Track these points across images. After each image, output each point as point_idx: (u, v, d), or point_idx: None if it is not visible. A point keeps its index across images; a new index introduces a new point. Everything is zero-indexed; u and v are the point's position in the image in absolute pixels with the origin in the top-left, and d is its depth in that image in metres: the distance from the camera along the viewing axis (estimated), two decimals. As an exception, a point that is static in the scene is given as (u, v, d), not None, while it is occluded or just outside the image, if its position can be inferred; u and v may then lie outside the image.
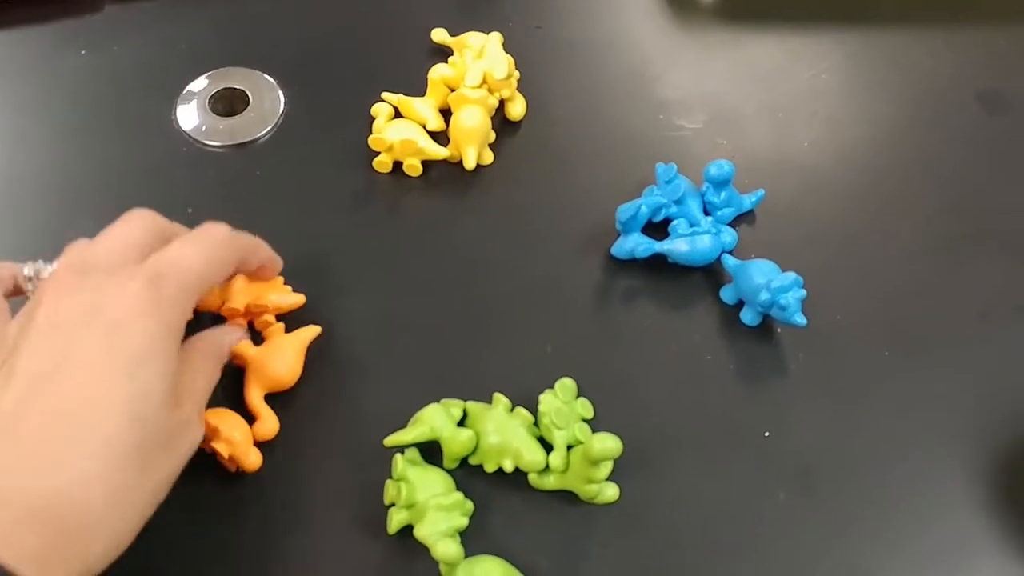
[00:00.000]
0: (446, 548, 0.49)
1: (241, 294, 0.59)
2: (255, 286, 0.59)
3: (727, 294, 0.65)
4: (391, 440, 0.55)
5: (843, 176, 0.72)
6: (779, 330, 0.64)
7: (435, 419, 0.55)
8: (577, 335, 0.63)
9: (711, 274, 0.66)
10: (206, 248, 0.51)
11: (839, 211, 0.70)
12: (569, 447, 0.56)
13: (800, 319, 0.59)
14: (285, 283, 0.61)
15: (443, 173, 0.70)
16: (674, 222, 0.65)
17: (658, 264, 0.65)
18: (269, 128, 0.72)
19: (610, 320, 0.64)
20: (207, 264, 0.51)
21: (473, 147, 0.68)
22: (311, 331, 0.59)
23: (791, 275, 0.60)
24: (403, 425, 0.57)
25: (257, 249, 0.58)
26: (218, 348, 0.55)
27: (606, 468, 0.54)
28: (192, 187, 0.68)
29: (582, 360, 0.62)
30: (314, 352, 0.60)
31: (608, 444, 0.52)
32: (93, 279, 0.47)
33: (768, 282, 0.60)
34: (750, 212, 0.69)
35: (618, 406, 0.60)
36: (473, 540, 0.53)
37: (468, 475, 0.57)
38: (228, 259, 0.54)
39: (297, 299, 0.61)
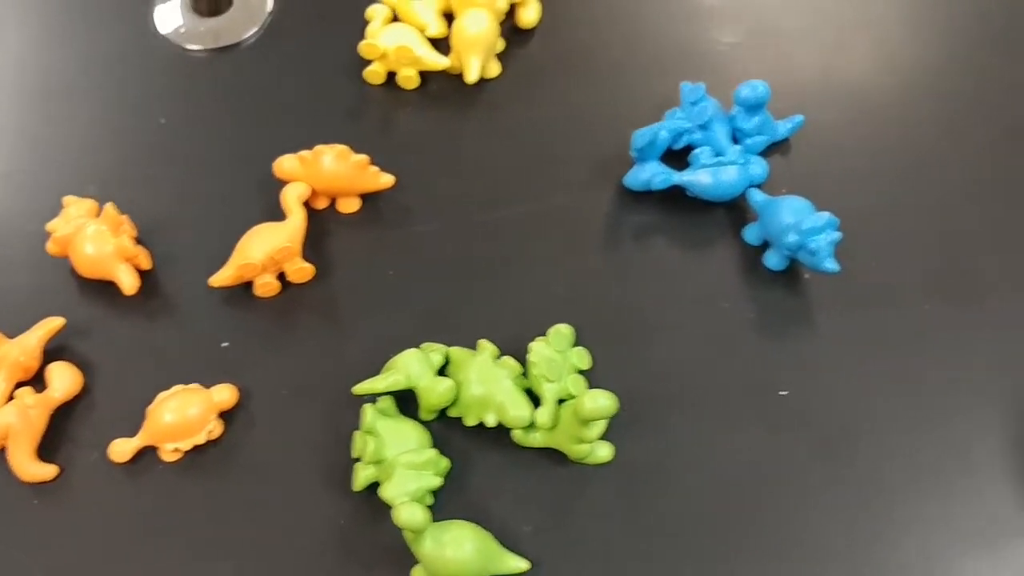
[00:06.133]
0: (410, 514, 0.43)
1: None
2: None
3: (751, 234, 0.58)
4: (360, 388, 0.49)
5: (894, 103, 0.63)
6: (807, 276, 0.57)
7: (411, 366, 0.50)
8: (580, 275, 0.57)
9: (735, 211, 0.59)
10: None
11: (887, 144, 0.62)
12: (561, 401, 0.50)
13: (831, 265, 0.53)
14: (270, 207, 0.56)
15: (443, 86, 0.63)
16: (697, 150, 0.58)
17: (676, 197, 0.58)
18: (255, 30, 0.65)
19: (618, 259, 0.58)
20: None
21: (477, 57, 0.61)
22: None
23: (825, 215, 0.53)
24: (380, 371, 0.52)
25: None
26: None
27: (599, 427, 0.49)
28: (168, 94, 0.62)
29: (584, 303, 0.55)
30: (288, 288, 0.55)
31: (601, 402, 0.46)
32: None
33: (798, 222, 0.53)
34: (785, 141, 0.62)
35: (621, 356, 0.54)
36: (449, 501, 0.48)
37: (446, 429, 0.51)
38: None
39: (388, 179, 0.57)
